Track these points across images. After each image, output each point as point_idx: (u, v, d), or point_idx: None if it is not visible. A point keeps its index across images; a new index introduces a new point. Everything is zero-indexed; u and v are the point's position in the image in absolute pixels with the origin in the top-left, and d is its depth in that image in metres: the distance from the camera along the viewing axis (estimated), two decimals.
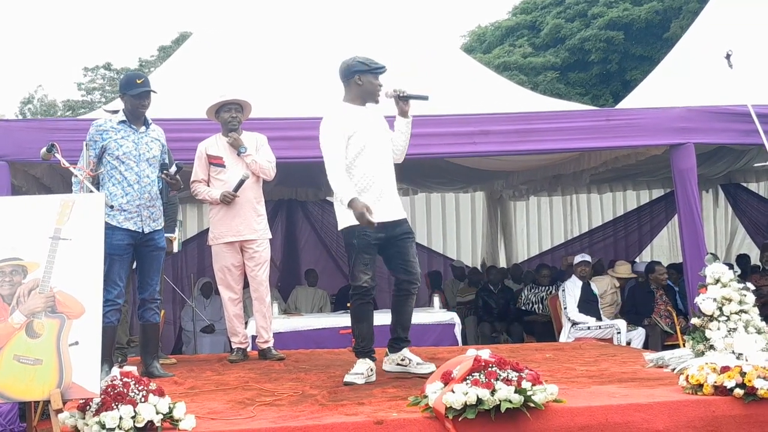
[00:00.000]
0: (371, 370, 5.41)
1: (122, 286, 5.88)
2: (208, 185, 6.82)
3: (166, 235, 6.88)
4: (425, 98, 5.62)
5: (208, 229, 7.08)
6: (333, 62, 8.68)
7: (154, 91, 5.98)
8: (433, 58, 9.65)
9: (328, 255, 12.89)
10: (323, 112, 5.68)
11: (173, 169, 6.02)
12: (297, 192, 12.23)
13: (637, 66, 23.96)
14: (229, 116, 6.73)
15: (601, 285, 9.76)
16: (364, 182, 5.44)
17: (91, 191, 5.41)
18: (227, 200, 6.66)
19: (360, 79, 5.54)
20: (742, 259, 11.82)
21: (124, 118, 5.93)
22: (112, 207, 5.68)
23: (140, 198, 5.84)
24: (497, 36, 29.78)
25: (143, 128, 5.96)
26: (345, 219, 5.47)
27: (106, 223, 5.57)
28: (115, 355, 6.26)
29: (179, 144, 7.01)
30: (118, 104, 6.75)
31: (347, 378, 5.30)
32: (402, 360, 5.58)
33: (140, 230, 5.86)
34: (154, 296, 6.09)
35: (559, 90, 24.00)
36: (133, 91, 5.85)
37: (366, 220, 5.15)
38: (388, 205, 5.49)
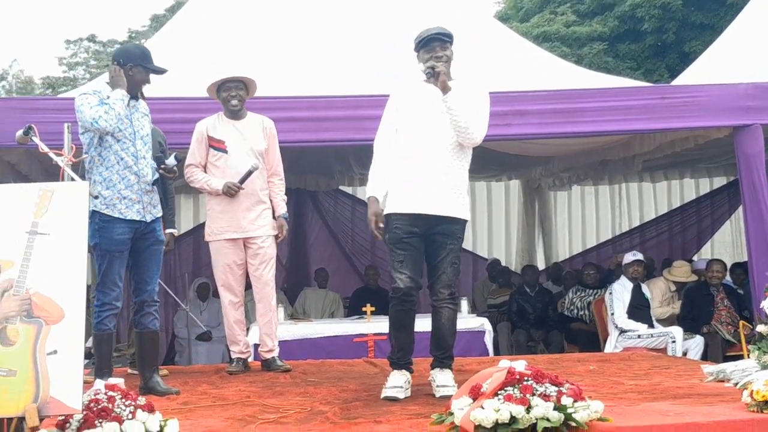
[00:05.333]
0: (408, 382, 5.39)
1: (121, 287, 5.71)
2: (205, 171, 6.82)
3: (168, 230, 6.85)
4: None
5: (204, 223, 7.07)
6: (349, 34, 8.78)
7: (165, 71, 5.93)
8: (465, 28, 9.59)
9: (341, 252, 12.86)
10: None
11: (170, 161, 5.95)
12: (306, 180, 12.10)
13: (697, 36, 23.79)
14: (229, 95, 6.71)
15: (654, 289, 9.72)
16: (400, 165, 5.42)
17: (73, 179, 5.42)
18: (231, 193, 6.66)
19: (418, 56, 5.56)
20: None
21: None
22: (96, 197, 5.58)
23: (139, 182, 5.69)
24: (536, 2, 29.63)
25: (134, 102, 5.79)
26: (387, 205, 5.47)
27: (106, 216, 5.57)
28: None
29: (172, 126, 7.03)
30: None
31: (386, 393, 5.27)
32: (431, 379, 5.47)
33: (143, 219, 5.71)
34: (153, 298, 5.89)
35: (607, 64, 23.86)
36: (152, 66, 5.78)
37: (371, 228, 5.41)
38: (427, 196, 5.35)
